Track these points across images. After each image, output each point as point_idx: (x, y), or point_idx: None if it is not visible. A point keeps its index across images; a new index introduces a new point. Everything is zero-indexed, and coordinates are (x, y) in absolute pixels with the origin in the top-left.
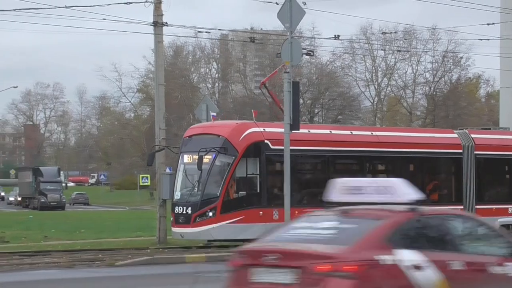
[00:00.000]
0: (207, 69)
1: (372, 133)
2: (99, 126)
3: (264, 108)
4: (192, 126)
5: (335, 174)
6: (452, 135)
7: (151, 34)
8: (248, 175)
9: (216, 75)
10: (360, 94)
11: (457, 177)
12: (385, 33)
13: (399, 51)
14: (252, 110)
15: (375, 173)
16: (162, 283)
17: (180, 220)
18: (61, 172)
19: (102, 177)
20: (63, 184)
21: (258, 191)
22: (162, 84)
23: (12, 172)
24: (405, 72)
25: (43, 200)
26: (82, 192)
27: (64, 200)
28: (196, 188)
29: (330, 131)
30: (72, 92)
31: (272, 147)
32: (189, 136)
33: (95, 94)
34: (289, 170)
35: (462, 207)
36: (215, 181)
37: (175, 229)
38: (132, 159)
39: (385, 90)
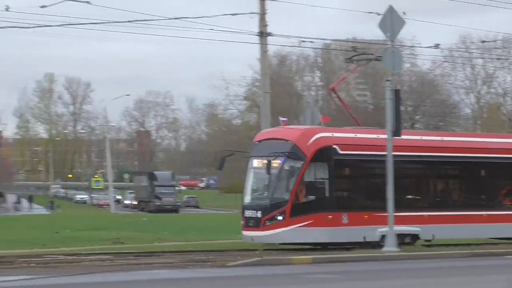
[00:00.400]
0: (311, 78)
1: (462, 139)
2: (208, 132)
3: (366, 114)
4: (262, 131)
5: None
6: None
7: (257, 44)
8: (316, 180)
9: (320, 83)
10: (460, 101)
11: None
12: (485, 41)
13: (499, 59)
14: (321, 115)
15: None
16: (271, 283)
17: (250, 224)
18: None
19: (211, 181)
20: (177, 188)
21: (326, 195)
22: (267, 92)
23: (126, 176)
24: (504, 80)
25: (158, 203)
26: (192, 196)
27: (178, 203)
28: (266, 192)
29: (421, 137)
30: (181, 99)
31: (340, 151)
32: (259, 141)
33: (203, 101)
34: (392, 175)
35: None
36: (284, 185)
37: (245, 233)
38: (240, 163)
39: (484, 97)
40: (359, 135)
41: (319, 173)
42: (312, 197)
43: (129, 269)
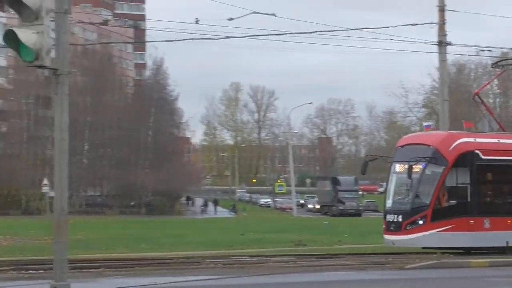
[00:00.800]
0: (489, 86)
1: None
2: (387, 139)
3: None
4: (405, 136)
5: None
6: None
7: (436, 53)
8: (458, 185)
9: (497, 90)
10: None
11: None
12: None
13: None
14: (463, 121)
15: None
16: (449, 285)
17: (391, 228)
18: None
19: None
20: (360, 193)
21: (468, 200)
22: (446, 99)
23: (308, 181)
24: None
25: (341, 208)
26: (372, 200)
27: (360, 207)
28: (407, 197)
29: None
30: (362, 107)
31: (483, 157)
32: (402, 146)
33: (383, 109)
34: None
35: None
36: (425, 190)
37: (386, 237)
38: None
39: None
40: (502, 141)
41: (461, 178)
42: (453, 202)
43: (310, 271)
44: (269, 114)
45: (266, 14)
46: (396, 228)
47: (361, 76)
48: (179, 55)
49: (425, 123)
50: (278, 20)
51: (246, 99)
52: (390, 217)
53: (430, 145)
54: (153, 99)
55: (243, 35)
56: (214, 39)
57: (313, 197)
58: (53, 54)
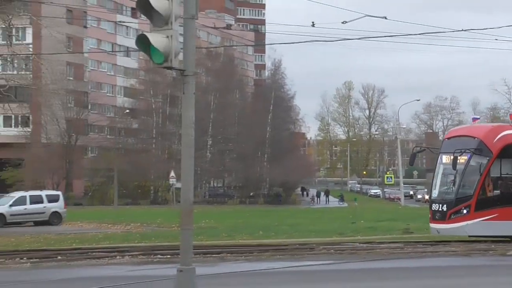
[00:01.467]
0: None
1: None
2: None
3: None
4: (452, 129)
5: None
6: None
7: None
8: (502, 175)
9: None
10: None
11: None
12: None
13: None
14: (510, 114)
15: None
16: None
17: (437, 217)
18: None
19: None
20: None
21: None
22: None
23: (415, 173)
24: None
25: None
26: None
27: None
28: (452, 187)
29: None
30: (467, 104)
31: None
32: (448, 138)
33: (487, 105)
34: None
35: None
36: (469, 181)
37: (432, 225)
38: None
39: None
40: None
41: (505, 169)
42: (497, 192)
43: (418, 257)
44: (379, 110)
45: (378, 17)
46: (441, 217)
47: (468, 75)
48: (296, 56)
49: (472, 116)
50: (389, 22)
51: (357, 96)
52: (435, 207)
53: (475, 137)
54: (272, 98)
55: (357, 37)
56: (329, 41)
57: (422, 189)
58: (180, 56)
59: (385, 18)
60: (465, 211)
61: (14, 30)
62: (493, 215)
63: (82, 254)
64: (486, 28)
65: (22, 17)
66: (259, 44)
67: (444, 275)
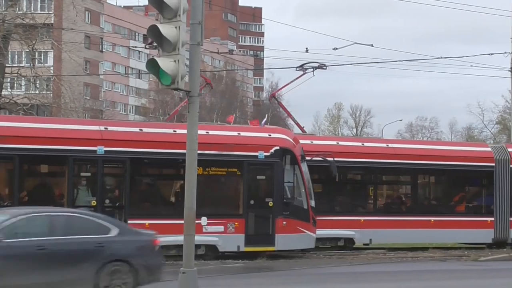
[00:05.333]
0: None
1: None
2: None
3: None
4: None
5: None
6: (485, 149)
7: (508, 77)
8: None
9: None
10: None
11: (488, 189)
12: None
13: None
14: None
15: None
16: None
17: None
18: None
19: None
20: None
21: None
22: None
23: None
24: None
25: None
26: None
27: None
28: None
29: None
30: (445, 124)
31: None
32: None
33: (463, 125)
34: None
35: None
36: None
37: None
38: None
39: None
40: None
41: None
42: None
43: (399, 261)
44: (365, 129)
45: (365, 44)
46: None
47: (446, 97)
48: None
49: None
50: (376, 49)
51: (346, 116)
52: None
53: None
54: (269, 117)
55: (347, 62)
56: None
57: None
58: (186, 79)
59: (372, 45)
60: None
61: (37, 54)
62: None
63: None
64: (463, 56)
65: (45, 42)
66: (258, 69)
67: (424, 278)
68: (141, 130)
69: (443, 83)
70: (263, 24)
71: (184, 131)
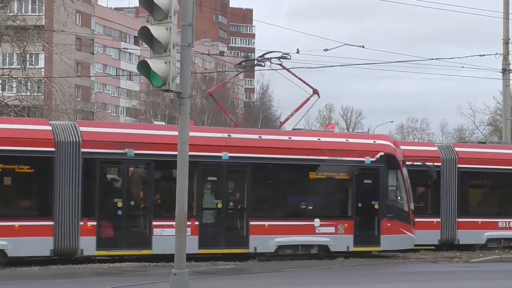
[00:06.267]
0: None
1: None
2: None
3: None
4: None
5: None
6: (431, 148)
7: (500, 79)
8: None
9: None
10: None
11: (434, 189)
12: None
13: None
14: None
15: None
16: (509, 276)
17: None
18: None
19: None
20: None
21: None
22: (509, 119)
23: None
24: None
25: None
26: None
27: None
28: None
29: None
30: (436, 125)
31: None
32: None
33: (454, 127)
34: None
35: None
36: None
37: None
38: None
39: None
40: None
41: None
42: None
43: (390, 263)
44: (356, 131)
45: (356, 46)
46: None
47: (437, 98)
48: (282, 80)
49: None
50: (367, 50)
51: (337, 117)
52: None
53: None
54: (260, 118)
55: (338, 64)
56: (312, 68)
57: None
58: (177, 80)
59: (363, 47)
60: None
61: (28, 56)
62: None
63: None
64: (454, 58)
65: (36, 44)
66: (249, 70)
67: (416, 280)
68: (260, 137)
69: (434, 85)
70: (254, 26)
71: (298, 138)
